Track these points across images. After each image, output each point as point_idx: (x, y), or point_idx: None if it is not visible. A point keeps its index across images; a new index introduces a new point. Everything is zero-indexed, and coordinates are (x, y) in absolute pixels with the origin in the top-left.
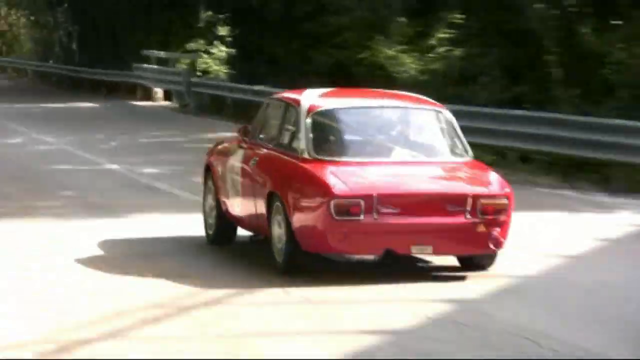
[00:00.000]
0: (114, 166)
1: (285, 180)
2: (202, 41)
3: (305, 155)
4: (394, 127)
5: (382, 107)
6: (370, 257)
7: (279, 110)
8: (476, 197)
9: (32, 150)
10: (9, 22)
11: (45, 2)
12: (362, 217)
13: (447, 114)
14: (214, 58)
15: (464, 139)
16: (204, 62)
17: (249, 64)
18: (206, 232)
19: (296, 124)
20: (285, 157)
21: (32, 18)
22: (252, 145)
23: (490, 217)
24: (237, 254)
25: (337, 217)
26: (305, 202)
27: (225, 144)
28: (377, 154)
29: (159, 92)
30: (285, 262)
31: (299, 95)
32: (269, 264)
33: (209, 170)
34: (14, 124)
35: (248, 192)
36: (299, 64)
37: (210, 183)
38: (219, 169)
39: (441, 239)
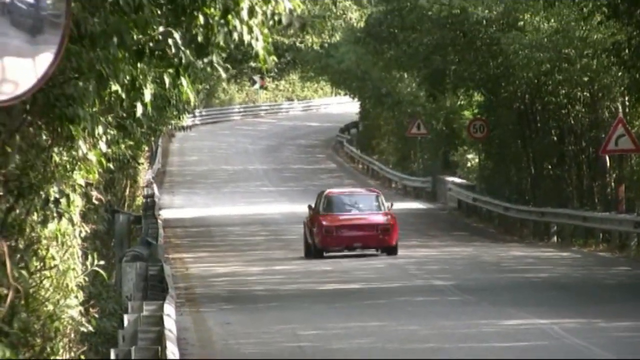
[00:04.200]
0: None
1: (312, 222)
2: None
3: (320, 212)
4: (356, 200)
5: (353, 193)
6: (339, 250)
7: (320, 195)
8: (378, 224)
9: None
10: None
11: None
12: (334, 233)
13: (380, 195)
14: None
15: (385, 203)
16: None
17: None
18: (305, 252)
19: (320, 199)
20: (315, 214)
21: None
22: (311, 211)
23: (384, 232)
24: None
25: (325, 234)
26: (316, 229)
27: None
28: (346, 211)
29: None
30: (312, 253)
31: (328, 189)
32: None
33: (305, 225)
34: None
35: (306, 229)
36: None
37: (304, 230)
38: (306, 223)
39: (365, 241)
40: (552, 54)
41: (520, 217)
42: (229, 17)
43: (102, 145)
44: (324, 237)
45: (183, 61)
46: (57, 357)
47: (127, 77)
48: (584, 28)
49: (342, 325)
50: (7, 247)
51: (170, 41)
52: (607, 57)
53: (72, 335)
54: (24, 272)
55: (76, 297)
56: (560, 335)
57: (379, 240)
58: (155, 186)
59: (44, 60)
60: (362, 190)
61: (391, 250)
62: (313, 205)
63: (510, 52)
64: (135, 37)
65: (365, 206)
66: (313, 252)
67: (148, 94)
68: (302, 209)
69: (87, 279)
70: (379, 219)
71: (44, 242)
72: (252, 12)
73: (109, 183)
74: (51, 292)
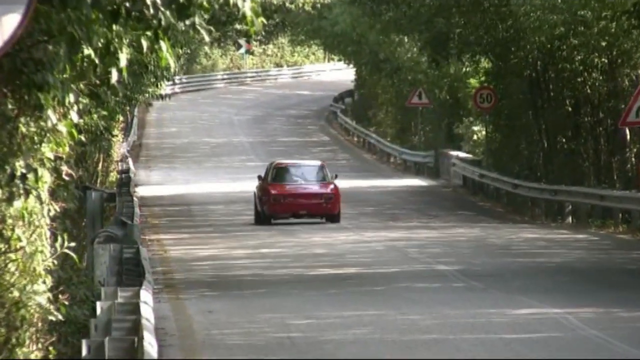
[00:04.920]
0: None
1: (262, 191)
2: None
3: (269, 181)
4: (302, 171)
5: (300, 164)
6: (286, 216)
7: (269, 166)
8: (322, 194)
9: None
10: None
11: None
12: (281, 201)
13: (325, 166)
14: None
15: (329, 174)
16: None
17: None
18: (255, 219)
19: (269, 170)
20: (264, 183)
21: None
22: (260, 181)
23: (328, 201)
24: None
25: (273, 202)
26: (265, 198)
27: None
28: (293, 181)
29: None
30: (261, 219)
31: (277, 160)
32: None
33: (255, 194)
34: None
35: (256, 197)
36: None
37: (254, 198)
38: (256, 192)
39: (310, 208)
40: (567, 16)
41: (531, 195)
42: None
43: (74, 115)
44: (272, 205)
45: (162, 23)
46: (24, 349)
47: (101, 41)
48: None
49: (336, 314)
50: None
51: (148, 1)
52: (627, 19)
53: (40, 324)
54: None
55: (44, 282)
56: (575, 326)
57: (323, 208)
58: (130, 160)
59: (11, 21)
60: (308, 161)
61: (334, 218)
62: (262, 176)
63: (521, 14)
64: None
65: (311, 177)
66: (262, 218)
67: (124, 59)
68: None
69: (56, 262)
70: (323, 189)
71: (9, 221)
72: None
73: (81, 157)
74: (17, 276)
